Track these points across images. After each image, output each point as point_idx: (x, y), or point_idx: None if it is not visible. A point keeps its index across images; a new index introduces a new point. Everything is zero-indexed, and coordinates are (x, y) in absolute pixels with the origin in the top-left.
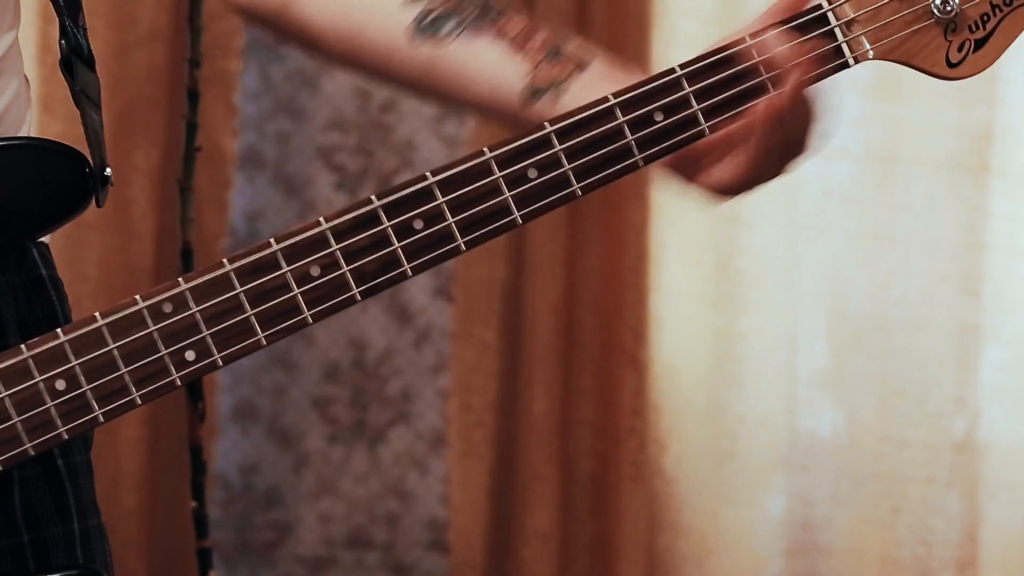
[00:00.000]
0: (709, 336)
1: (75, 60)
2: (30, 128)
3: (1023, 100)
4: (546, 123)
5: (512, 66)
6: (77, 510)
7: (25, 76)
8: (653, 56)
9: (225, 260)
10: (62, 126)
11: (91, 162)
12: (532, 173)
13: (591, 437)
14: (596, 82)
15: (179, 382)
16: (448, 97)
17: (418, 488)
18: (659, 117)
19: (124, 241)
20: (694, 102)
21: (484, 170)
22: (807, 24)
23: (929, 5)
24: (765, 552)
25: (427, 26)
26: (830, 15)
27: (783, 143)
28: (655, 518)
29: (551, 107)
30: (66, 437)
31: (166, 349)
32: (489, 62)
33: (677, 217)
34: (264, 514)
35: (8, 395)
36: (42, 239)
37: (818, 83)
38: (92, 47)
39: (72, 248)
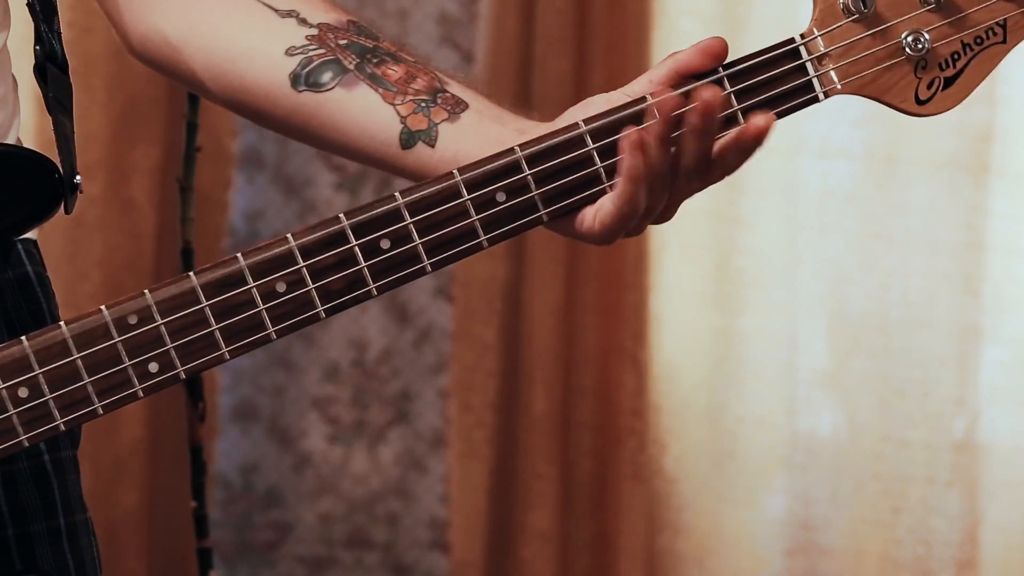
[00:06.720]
0: (709, 336)
1: (48, 66)
2: (17, 132)
3: (1023, 100)
4: (516, 147)
5: (388, 113)
6: (63, 505)
7: (14, 78)
8: (653, 56)
9: (192, 274)
10: None
11: (60, 169)
12: (500, 197)
13: (591, 437)
14: (469, 127)
15: (141, 393)
16: (330, 146)
17: (418, 488)
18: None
19: (124, 241)
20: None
21: (453, 193)
22: (779, 58)
23: (901, 42)
24: (765, 552)
25: (307, 75)
26: (802, 49)
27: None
28: (655, 518)
29: (427, 155)
30: (26, 444)
31: (130, 361)
32: (365, 110)
33: (677, 217)
34: (264, 514)
35: None
36: (30, 236)
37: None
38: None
39: (72, 248)
